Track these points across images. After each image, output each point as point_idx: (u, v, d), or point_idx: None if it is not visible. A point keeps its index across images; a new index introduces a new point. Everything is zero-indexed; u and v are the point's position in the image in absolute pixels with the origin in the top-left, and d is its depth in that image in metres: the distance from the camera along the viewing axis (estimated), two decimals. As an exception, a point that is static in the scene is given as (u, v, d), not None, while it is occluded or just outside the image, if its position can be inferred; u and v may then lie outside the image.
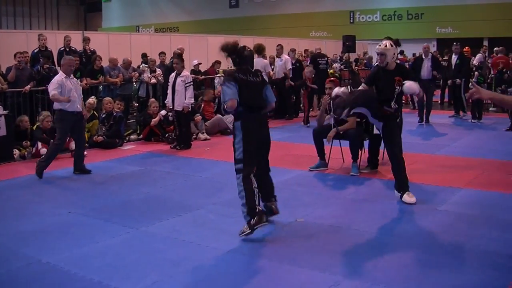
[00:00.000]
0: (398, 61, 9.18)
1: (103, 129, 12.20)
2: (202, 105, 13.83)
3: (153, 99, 13.62)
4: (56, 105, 9.42)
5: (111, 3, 46.09)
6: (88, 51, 14.77)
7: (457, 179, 8.57)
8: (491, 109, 17.82)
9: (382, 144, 9.26)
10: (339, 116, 7.67)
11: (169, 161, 10.56)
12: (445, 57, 19.55)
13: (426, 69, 14.81)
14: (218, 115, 13.61)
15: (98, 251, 5.76)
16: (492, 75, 18.39)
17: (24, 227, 6.58)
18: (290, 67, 16.15)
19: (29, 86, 12.01)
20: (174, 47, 17.61)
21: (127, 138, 12.84)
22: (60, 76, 9.44)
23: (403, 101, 10.48)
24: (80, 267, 5.28)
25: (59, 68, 13.41)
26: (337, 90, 8.42)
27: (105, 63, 14.27)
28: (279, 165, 9.70)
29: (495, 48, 20.63)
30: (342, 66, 21.72)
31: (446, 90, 18.44)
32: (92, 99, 12.42)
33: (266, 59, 16.47)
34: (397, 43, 8.19)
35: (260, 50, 16.00)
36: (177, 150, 11.68)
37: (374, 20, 34.05)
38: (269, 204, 6.44)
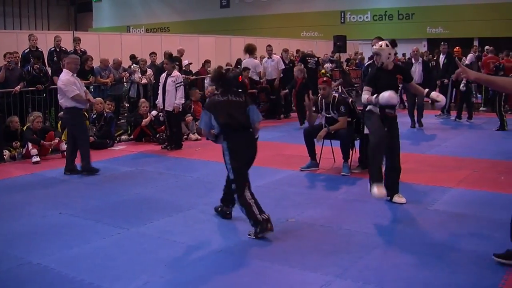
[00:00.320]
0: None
1: (94, 129, 12.16)
2: (192, 106, 13.80)
3: (143, 100, 13.61)
4: (69, 103, 9.34)
5: (101, 3, 45.95)
6: (79, 52, 14.72)
7: (448, 179, 8.60)
8: (481, 109, 17.90)
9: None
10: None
11: (160, 162, 10.55)
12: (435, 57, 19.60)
13: (417, 74, 14.23)
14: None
15: (89, 252, 5.74)
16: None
17: (15, 228, 6.56)
18: (283, 67, 16.13)
19: (19, 86, 11.96)
20: (165, 47, 17.60)
21: (118, 139, 12.82)
22: (67, 75, 9.36)
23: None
24: (71, 268, 5.26)
25: (49, 68, 13.43)
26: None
27: (95, 64, 14.23)
28: (270, 165, 9.73)
29: (486, 47, 20.70)
30: (333, 66, 21.75)
31: (437, 90, 18.46)
32: None
33: (257, 59, 16.48)
34: (393, 43, 8.23)
35: (250, 50, 16.04)
36: (168, 150, 11.67)
37: (365, 20, 34.10)
38: (225, 209, 6.81)
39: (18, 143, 11.00)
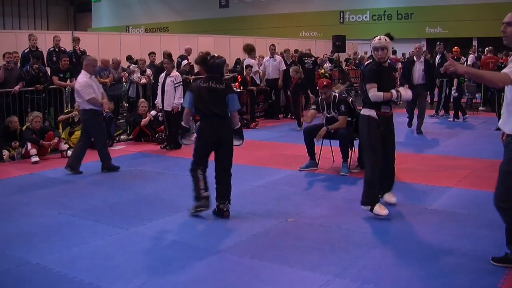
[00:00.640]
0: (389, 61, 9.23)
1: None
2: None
3: (142, 99, 13.60)
4: (86, 105, 9.45)
5: (100, 3, 45.97)
6: (78, 52, 14.72)
7: (447, 179, 8.60)
8: (480, 108, 17.91)
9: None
10: None
11: (159, 161, 10.54)
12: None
13: (418, 73, 13.29)
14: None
15: (89, 252, 5.74)
16: None
17: (14, 228, 6.55)
18: (284, 68, 16.09)
19: (18, 86, 11.95)
20: (164, 47, 17.58)
21: (117, 139, 12.81)
22: (85, 77, 9.46)
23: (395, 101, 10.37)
24: (70, 268, 5.26)
25: (48, 68, 13.42)
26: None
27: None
28: (270, 165, 9.74)
29: (487, 48, 20.70)
30: (332, 66, 21.78)
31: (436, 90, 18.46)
32: None
33: (254, 59, 16.43)
34: (391, 37, 8.22)
35: (248, 50, 16.00)
36: (167, 150, 11.67)
37: (364, 20, 34.15)
38: (221, 207, 6.87)
39: (17, 143, 10.98)
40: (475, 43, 27.72)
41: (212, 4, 40.00)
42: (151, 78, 15.02)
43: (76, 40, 15.15)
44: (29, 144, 10.59)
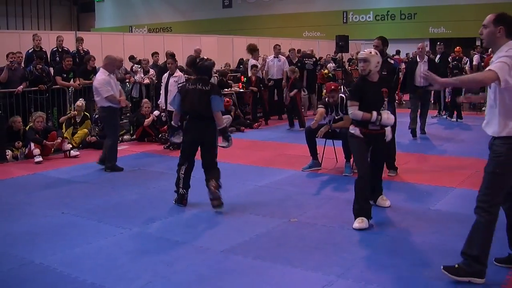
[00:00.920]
0: (392, 61, 9.21)
1: (96, 129, 12.19)
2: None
3: (146, 100, 13.58)
4: (104, 102, 9.63)
5: (104, 3, 45.99)
6: (82, 52, 14.73)
7: (450, 179, 8.60)
8: (483, 109, 17.85)
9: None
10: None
11: (162, 162, 10.55)
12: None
13: (422, 74, 12.70)
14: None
15: (92, 252, 5.75)
16: None
17: (17, 228, 6.56)
18: (288, 67, 16.10)
19: (21, 86, 11.96)
20: (167, 47, 17.58)
21: (120, 139, 12.79)
22: (104, 74, 9.67)
23: (396, 101, 10.29)
24: (73, 268, 5.27)
25: (52, 68, 13.44)
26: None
27: (98, 64, 14.19)
28: (273, 165, 9.74)
29: (490, 49, 20.62)
30: (335, 66, 21.75)
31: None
32: (80, 101, 12.41)
33: (256, 59, 16.41)
34: (385, 42, 8.21)
35: (251, 49, 16.00)
36: (170, 150, 11.68)
37: (367, 20, 34.09)
38: (208, 184, 7.24)
39: (21, 143, 11.01)
40: (478, 43, 27.65)
41: (215, 4, 39.98)
42: (154, 78, 15.01)
43: (79, 40, 15.17)
44: (32, 144, 10.60)
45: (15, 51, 12.87)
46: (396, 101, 10.85)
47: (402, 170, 9.06)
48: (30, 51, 13.81)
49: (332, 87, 9.39)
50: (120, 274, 5.14)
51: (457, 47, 18.64)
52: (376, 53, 6.60)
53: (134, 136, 12.96)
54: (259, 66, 16.20)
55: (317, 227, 6.43)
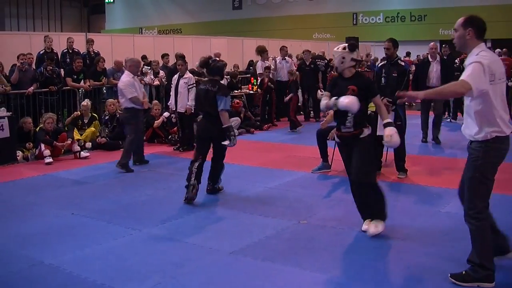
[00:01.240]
0: (403, 63, 9.18)
1: (106, 131, 12.22)
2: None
3: (155, 101, 13.60)
4: (127, 104, 9.98)
5: (114, 5, 46.14)
6: (92, 53, 14.77)
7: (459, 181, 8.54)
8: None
9: (385, 146, 9.28)
10: None
11: (172, 163, 10.56)
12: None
13: (434, 75, 12.00)
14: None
15: (101, 253, 5.76)
16: None
17: (27, 229, 6.59)
18: (295, 69, 16.13)
19: (32, 88, 12.02)
20: (177, 49, 17.60)
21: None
22: (128, 77, 10.03)
23: (406, 104, 10.16)
24: (83, 269, 5.28)
25: (62, 70, 13.49)
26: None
27: (108, 65, 14.24)
28: (282, 167, 9.73)
29: (498, 50, 20.51)
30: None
31: None
32: (86, 101, 12.44)
33: (265, 60, 16.39)
34: (395, 44, 8.19)
35: (260, 51, 16.03)
36: (180, 151, 11.70)
37: (377, 21, 34.02)
38: (208, 187, 8.10)
39: (31, 144, 11.05)
40: (489, 44, 27.55)
41: (225, 5, 40.01)
42: (164, 80, 15.03)
43: (89, 42, 15.21)
44: (42, 145, 10.64)
45: (25, 52, 12.92)
46: (406, 103, 10.71)
47: (411, 172, 9.03)
48: (41, 52, 13.87)
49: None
50: (130, 275, 5.15)
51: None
52: (344, 49, 6.22)
53: (144, 138, 12.95)
54: (272, 67, 16.19)
55: (326, 229, 6.42)
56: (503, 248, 5.08)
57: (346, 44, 6.25)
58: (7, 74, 12.60)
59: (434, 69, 12.04)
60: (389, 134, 5.98)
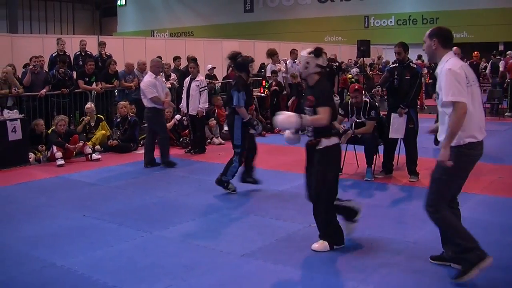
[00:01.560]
0: (415, 66, 9.16)
1: (118, 133, 12.25)
2: (216, 110, 13.82)
3: (167, 103, 13.61)
4: (149, 103, 10.35)
5: (126, 8, 46.33)
6: (104, 56, 14.81)
7: (472, 185, 8.46)
8: (506, 114, 17.72)
9: (397, 149, 9.26)
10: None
11: (183, 166, 10.57)
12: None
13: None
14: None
15: (113, 255, 5.78)
16: (508, 80, 18.15)
17: (39, 230, 6.62)
18: (298, 72, 16.14)
19: (44, 90, 12.08)
20: (189, 51, 17.63)
21: (141, 142, 12.82)
22: (150, 77, 10.41)
23: (418, 106, 10.13)
24: (94, 271, 5.30)
25: (74, 72, 13.54)
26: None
27: (120, 68, 14.26)
28: (293, 170, 9.70)
29: (508, 52, 20.38)
30: (358, 71, 21.71)
31: None
32: (89, 104, 12.47)
33: (275, 63, 16.36)
34: (406, 48, 8.13)
35: (270, 54, 16.06)
36: (191, 154, 11.71)
37: (389, 24, 33.98)
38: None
39: (43, 146, 11.11)
40: (501, 47, 27.45)
41: (237, 8, 40.08)
42: (176, 82, 15.05)
43: (101, 44, 15.24)
44: (54, 147, 10.69)
45: (38, 55, 12.98)
46: (418, 106, 10.54)
47: (423, 176, 8.98)
48: (54, 55, 13.92)
49: (356, 87, 9.38)
50: (141, 277, 5.16)
51: (475, 52, 18.41)
52: (309, 54, 5.85)
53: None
54: (282, 69, 16.18)
55: (337, 232, 6.40)
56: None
57: (312, 49, 5.87)
58: (20, 76, 12.67)
59: None
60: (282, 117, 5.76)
